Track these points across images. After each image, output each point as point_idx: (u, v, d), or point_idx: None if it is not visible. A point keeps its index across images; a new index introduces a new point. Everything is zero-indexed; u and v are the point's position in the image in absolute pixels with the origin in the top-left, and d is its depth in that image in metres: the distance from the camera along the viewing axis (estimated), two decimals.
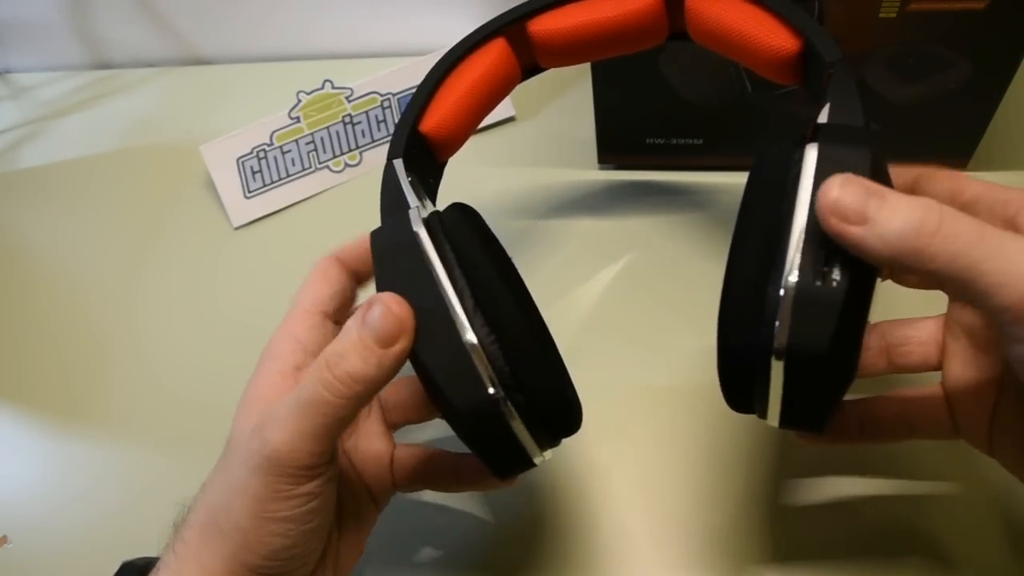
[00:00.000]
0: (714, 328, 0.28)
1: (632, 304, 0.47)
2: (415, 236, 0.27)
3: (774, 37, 0.31)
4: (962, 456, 0.33)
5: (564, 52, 0.35)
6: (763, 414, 0.27)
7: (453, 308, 0.26)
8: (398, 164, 0.30)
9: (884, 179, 0.26)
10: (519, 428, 0.27)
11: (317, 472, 0.27)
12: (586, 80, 0.48)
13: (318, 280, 0.32)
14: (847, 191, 0.23)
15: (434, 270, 0.27)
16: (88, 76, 0.70)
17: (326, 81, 0.57)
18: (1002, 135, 0.48)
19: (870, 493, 0.38)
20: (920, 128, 0.47)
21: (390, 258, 0.28)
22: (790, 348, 0.24)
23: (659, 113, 0.49)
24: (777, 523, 0.38)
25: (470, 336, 0.26)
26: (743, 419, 0.40)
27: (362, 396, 0.27)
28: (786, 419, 0.27)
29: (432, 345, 0.27)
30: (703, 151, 0.50)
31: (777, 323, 0.24)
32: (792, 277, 0.24)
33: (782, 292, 0.24)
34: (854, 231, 0.23)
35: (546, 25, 0.34)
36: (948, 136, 0.48)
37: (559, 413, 0.29)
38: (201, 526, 0.28)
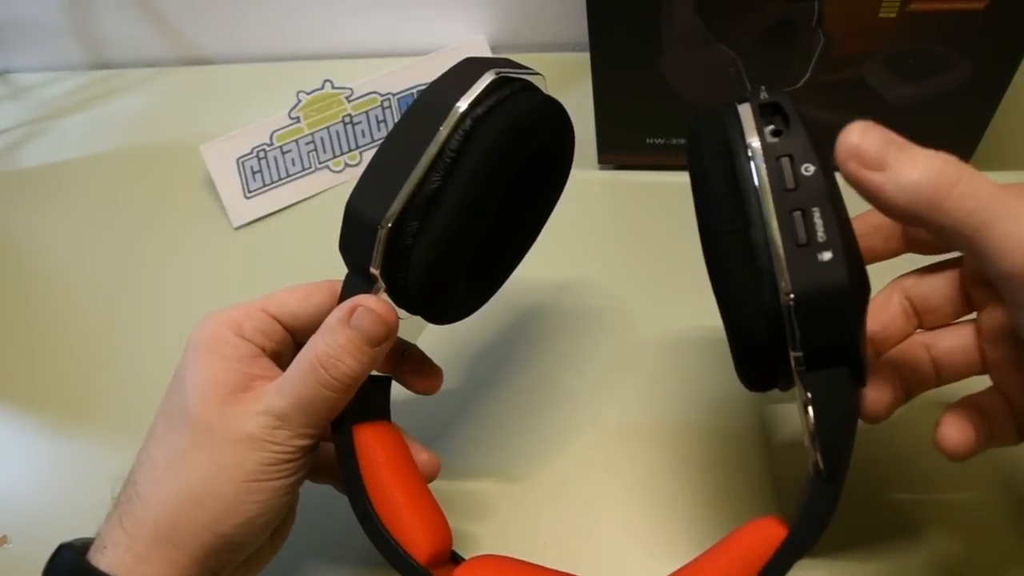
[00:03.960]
0: (717, 324, 0.28)
1: (631, 303, 0.47)
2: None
3: None
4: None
5: None
6: (788, 381, 0.27)
7: None
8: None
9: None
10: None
11: (307, 451, 0.31)
12: (586, 80, 0.48)
13: (299, 296, 0.33)
14: (868, 136, 0.23)
15: None
16: (88, 76, 0.70)
17: (326, 81, 0.57)
18: (1002, 135, 0.48)
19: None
20: (920, 128, 0.47)
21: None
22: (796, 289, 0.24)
23: (659, 113, 0.49)
24: None
25: None
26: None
27: (355, 387, 0.30)
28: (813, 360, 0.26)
29: None
30: None
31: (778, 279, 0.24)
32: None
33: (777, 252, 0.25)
34: (873, 177, 0.23)
35: None
36: (948, 136, 0.48)
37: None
38: (162, 501, 0.29)
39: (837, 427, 0.26)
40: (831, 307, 0.24)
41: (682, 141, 0.50)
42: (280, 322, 0.33)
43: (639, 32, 0.45)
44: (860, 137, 0.23)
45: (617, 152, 0.53)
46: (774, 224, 0.24)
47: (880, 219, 0.31)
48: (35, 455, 0.47)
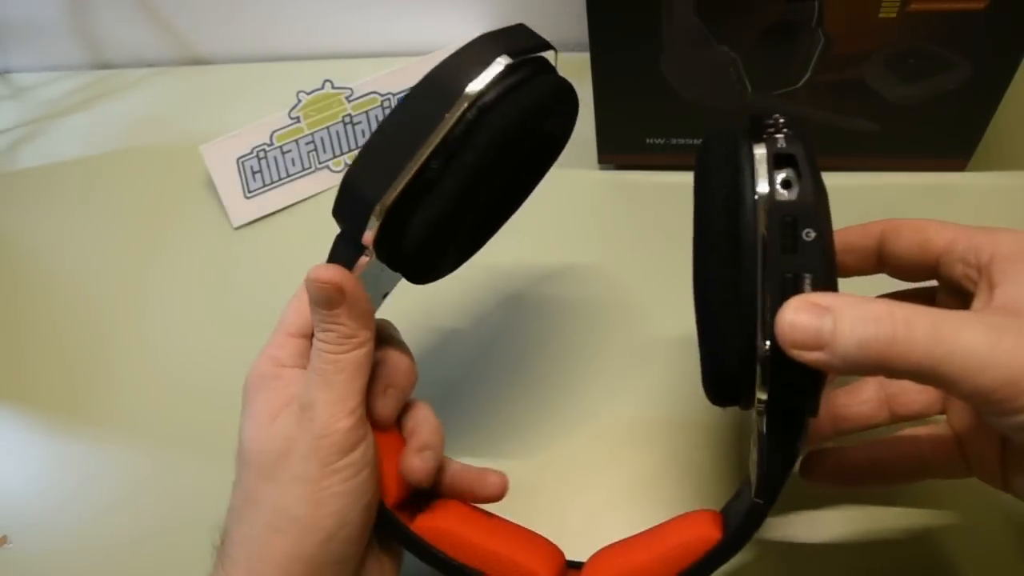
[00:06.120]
0: None
1: (631, 303, 0.47)
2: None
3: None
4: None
5: None
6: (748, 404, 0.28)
7: None
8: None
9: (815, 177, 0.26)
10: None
11: (358, 437, 0.30)
12: (586, 80, 0.48)
13: (302, 303, 0.33)
14: (799, 320, 0.24)
15: None
16: (88, 76, 0.70)
17: (326, 81, 0.57)
18: (1002, 135, 0.48)
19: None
20: (920, 128, 0.47)
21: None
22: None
23: (659, 113, 0.49)
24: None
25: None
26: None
27: (356, 339, 0.30)
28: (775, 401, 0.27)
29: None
30: None
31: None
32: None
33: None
34: (816, 356, 0.24)
35: None
36: (948, 136, 0.48)
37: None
38: (246, 537, 0.29)
39: (781, 464, 0.28)
40: (803, 371, 0.25)
41: (682, 141, 0.51)
42: (304, 337, 0.33)
43: (639, 32, 0.45)
44: (791, 324, 0.24)
45: (617, 152, 0.53)
46: (764, 285, 0.25)
47: (855, 240, 0.32)
48: (35, 455, 0.47)
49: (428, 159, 0.28)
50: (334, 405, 0.30)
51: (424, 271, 0.32)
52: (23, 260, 0.58)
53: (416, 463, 0.32)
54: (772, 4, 0.43)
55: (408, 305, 0.36)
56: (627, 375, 0.44)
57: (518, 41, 0.31)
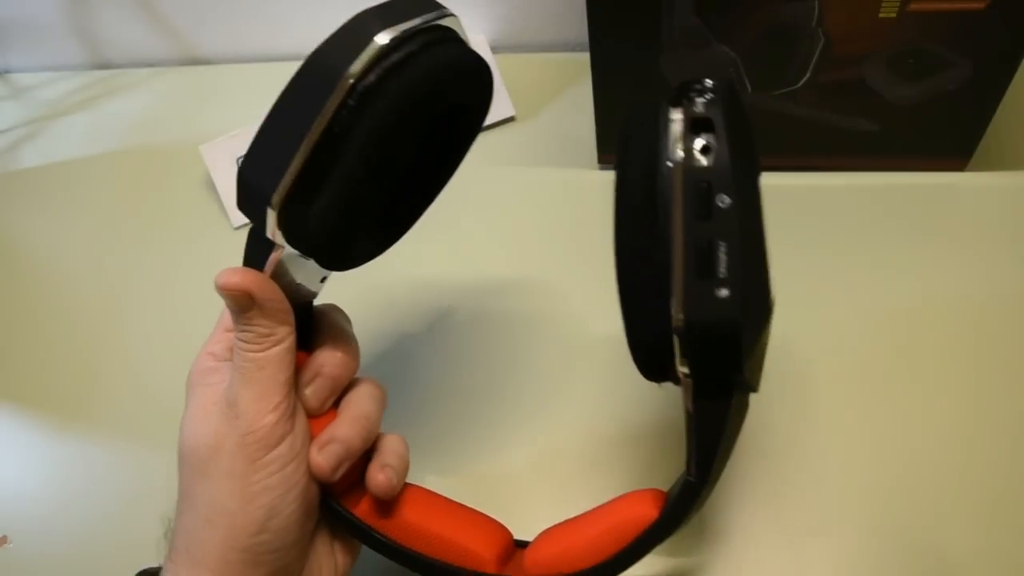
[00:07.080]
0: None
1: None
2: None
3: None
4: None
5: None
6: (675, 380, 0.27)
7: None
8: None
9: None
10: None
11: (283, 431, 0.30)
12: (586, 80, 0.48)
13: None
14: None
15: None
16: (88, 76, 0.70)
17: None
18: (1002, 135, 0.48)
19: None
20: (920, 128, 0.47)
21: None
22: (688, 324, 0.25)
23: None
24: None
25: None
26: None
27: (274, 337, 0.30)
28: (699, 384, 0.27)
29: None
30: None
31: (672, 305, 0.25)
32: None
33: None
34: None
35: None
36: (948, 136, 0.48)
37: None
38: (185, 528, 0.30)
39: (711, 444, 0.28)
40: (720, 342, 0.24)
41: None
42: None
43: (639, 32, 0.45)
44: None
45: None
46: (678, 253, 0.24)
47: None
48: (36, 455, 0.47)
49: (315, 149, 0.27)
50: (257, 402, 0.30)
51: (339, 258, 0.31)
52: (23, 260, 0.58)
53: (315, 459, 0.31)
54: (772, 4, 0.43)
55: (397, 309, 0.36)
56: (626, 377, 0.43)
57: (406, 11, 0.28)
